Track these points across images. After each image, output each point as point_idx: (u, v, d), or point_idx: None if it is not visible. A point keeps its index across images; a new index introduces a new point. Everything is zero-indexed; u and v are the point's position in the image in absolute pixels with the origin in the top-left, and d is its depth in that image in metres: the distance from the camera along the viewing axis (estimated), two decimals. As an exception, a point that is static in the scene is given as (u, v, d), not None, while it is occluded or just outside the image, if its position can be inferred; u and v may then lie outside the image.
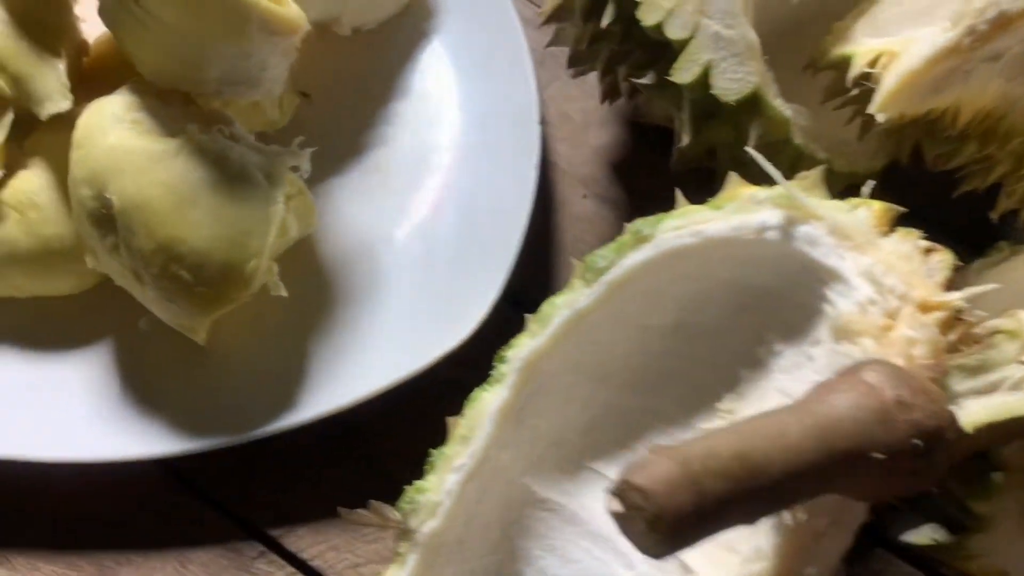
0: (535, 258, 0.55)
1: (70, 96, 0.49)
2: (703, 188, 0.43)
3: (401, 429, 0.51)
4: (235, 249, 0.45)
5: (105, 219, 0.45)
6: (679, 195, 0.41)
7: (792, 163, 0.45)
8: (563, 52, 0.55)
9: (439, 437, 0.50)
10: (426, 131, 0.57)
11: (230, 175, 0.46)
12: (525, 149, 0.55)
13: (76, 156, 0.46)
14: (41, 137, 0.51)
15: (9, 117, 0.50)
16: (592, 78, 0.61)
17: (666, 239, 0.39)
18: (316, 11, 0.56)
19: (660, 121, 0.50)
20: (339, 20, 0.58)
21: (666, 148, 0.54)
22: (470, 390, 0.51)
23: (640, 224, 0.40)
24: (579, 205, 0.58)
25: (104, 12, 0.49)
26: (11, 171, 0.50)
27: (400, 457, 0.48)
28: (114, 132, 0.46)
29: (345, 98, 0.58)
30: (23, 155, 0.51)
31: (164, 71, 0.49)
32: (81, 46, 0.53)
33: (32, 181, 0.50)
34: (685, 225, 0.39)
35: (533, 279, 0.55)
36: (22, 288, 0.50)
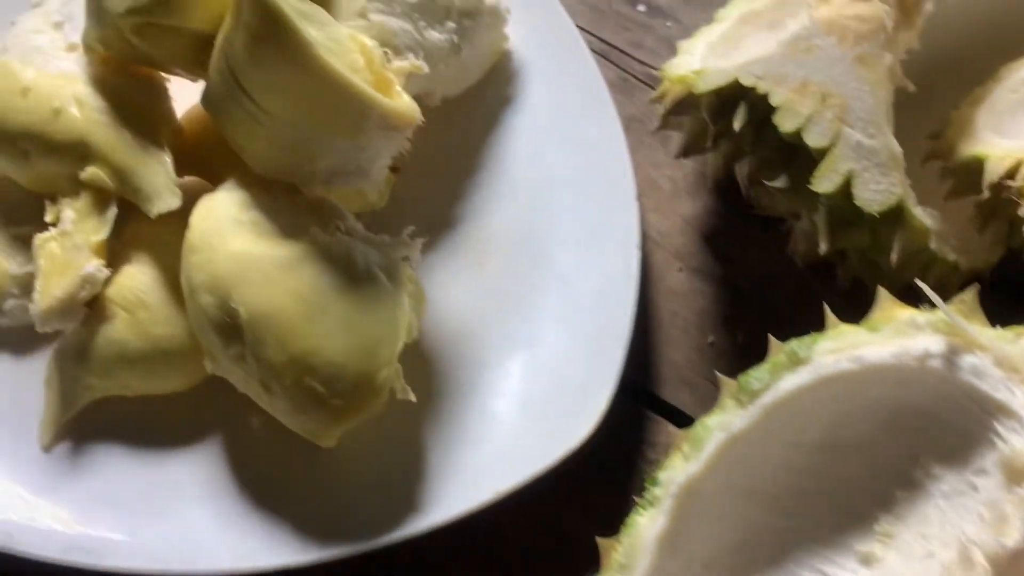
0: (632, 334, 0.55)
1: (179, 193, 0.48)
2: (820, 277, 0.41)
3: (523, 528, 0.50)
4: (368, 359, 0.44)
5: (230, 328, 0.44)
6: (828, 313, 0.41)
7: (925, 266, 0.45)
8: (647, 115, 0.54)
9: (565, 536, 0.50)
10: (517, 205, 0.57)
11: (356, 278, 0.45)
12: (624, 227, 0.54)
13: (195, 261, 0.45)
14: (142, 228, 0.50)
15: (112, 212, 0.49)
16: (676, 146, 0.61)
17: (824, 364, 0.39)
18: (413, 88, 0.55)
19: (779, 214, 0.50)
20: (432, 93, 0.57)
21: (760, 220, 0.54)
22: (589, 485, 0.51)
23: (795, 345, 0.40)
24: (674, 278, 0.58)
25: (210, 103, 0.48)
26: (114, 264, 0.49)
27: (527, 558, 0.48)
28: (235, 237, 0.45)
29: (434, 171, 0.57)
30: (123, 246, 0.50)
31: (273, 163, 0.48)
32: (176, 131, 0.51)
33: (139, 278, 0.49)
34: (842, 348, 0.39)
35: (632, 358, 0.54)
36: (130, 387, 0.49)
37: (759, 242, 0.57)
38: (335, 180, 0.49)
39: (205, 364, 0.46)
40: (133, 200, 0.49)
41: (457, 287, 0.54)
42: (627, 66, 0.64)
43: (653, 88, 0.63)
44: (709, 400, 0.42)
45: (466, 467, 0.48)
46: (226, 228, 0.45)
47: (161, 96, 0.51)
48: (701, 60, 0.52)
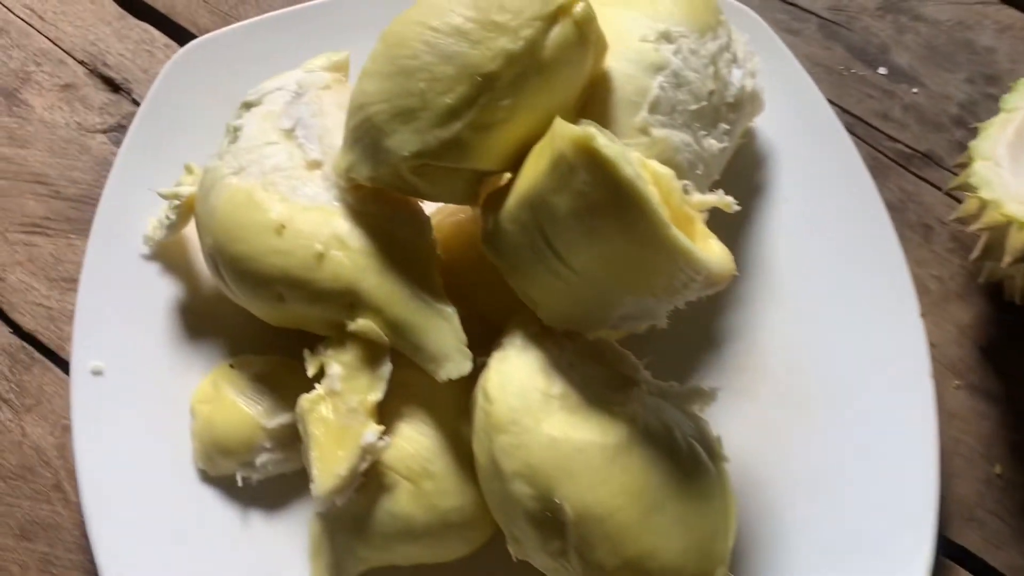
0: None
1: (470, 355, 0.43)
2: None
3: None
4: (704, 559, 0.40)
5: (551, 523, 0.40)
6: None
7: None
8: (903, 202, 0.49)
9: None
10: (784, 320, 0.52)
11: (681, 462, 0.41)
12: (910, 347, 0.50)
13: (504, 443, 0.40)
14: (410, 376, 0.45)
15: (387, 369, 0.44)
16: (943, 238, 0.56)
17: None
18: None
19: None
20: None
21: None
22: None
23: None
24: (952, 398, 0.53)
25: (499, 250, 0.43)
26: (383, 417, 0.44)
27: None
28: (548, 418, 0.40)
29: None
30: (389, 395, 0.45)
31: (564, 315, 0.43)
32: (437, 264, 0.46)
33: (420, 443, 0.44)
34: None
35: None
36: (408, 558, 0.45)
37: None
38: (623, 325, 0.44)
39: (510, 548, 0.42)
40: (410, 357, 0.44)
41: (728, 420, 0.49)
42: (876, 142, 0.58)
43: (905, 168, 0.58)
44: (1000, 539, 0.38)
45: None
46: (536, 406, 0.40)
47: (426, 230, 0.45)
48: (1012, 174, 0.47)
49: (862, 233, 0.52)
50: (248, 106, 0.50)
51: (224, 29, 0.55)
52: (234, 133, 0.48)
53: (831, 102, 0.58)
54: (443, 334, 0.43)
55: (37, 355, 0.52)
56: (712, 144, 0.48)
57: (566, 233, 0.39)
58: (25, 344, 0.52)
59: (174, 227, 0.49)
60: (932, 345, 0.54)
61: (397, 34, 0.42)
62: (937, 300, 0.55)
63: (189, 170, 0.50)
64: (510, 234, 0.42)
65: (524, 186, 0.40)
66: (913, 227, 0.56)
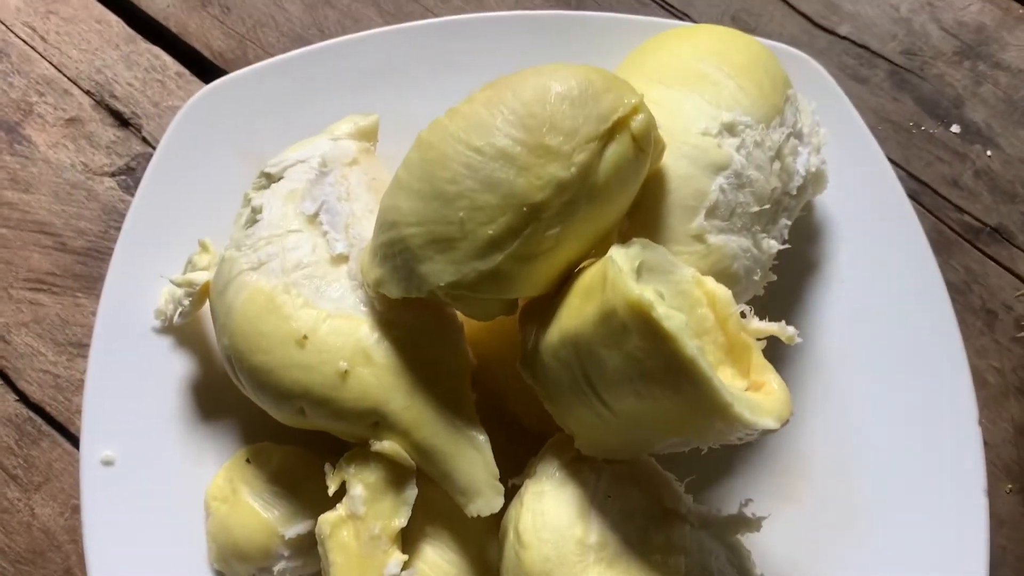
0: None
1: (501, 490, 0.40)
2: None
3: None
4: None
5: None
6: None
7: None
8: (968, 284, 0.46)
9: None
10: (833, 418, 0.49)
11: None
12: (967, 458, 0.47)
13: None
14: (431, 493, 0.42)
15: (412, 492, 0.41)
16: (1007, 325, 0.52)
17: None
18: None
19: None
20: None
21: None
22: None
23: None
24: (1002, 503, 0.50)
25: (540, 381, 0.39)
26: (411, 540, 0.42)
27: None
28: (584, 572, 0.38)
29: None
30: (418, 517, 0.42)
31: (604, 448, 0.40)
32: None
33: (444, 569, 0.42)
34: None
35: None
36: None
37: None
38: (665, 451, 0.41)
39: None
40: (437, 483, 0.41)
41: (768, 525, 0.46)
42: (942, 213, 0.54)
43: (972, 244, 0.53)
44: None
45: None
46: (572, 558, 0.38)
47: (459, 343, 0.42)
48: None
49: (921, 324, 0.49)
50: (268, 179, 0.46)
51: (240, 72, 0.50)
52: (253, 215, 0.44)
53: (896, 164, 0.54)
54: (474, 466, 0.40)
55: (45, 427, 0.50)
56: (772, 245, 0.44)
57: (613, 387, 0.36)
58: (32, 415, 0.50)
59: (187, 314, 0.46)
60: (986, 444, 0.51)
61: (435, 148, 0.37)
62: (995, 395, 0.51)
63: (204, 248, 0.46)
64: (550, 368, 0.38)
65: (569, 324, 0.37)
66: (976, 312, 0.52)
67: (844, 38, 0.57)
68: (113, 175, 0.53)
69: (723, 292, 0.40)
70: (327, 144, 0.46)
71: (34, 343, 0.50)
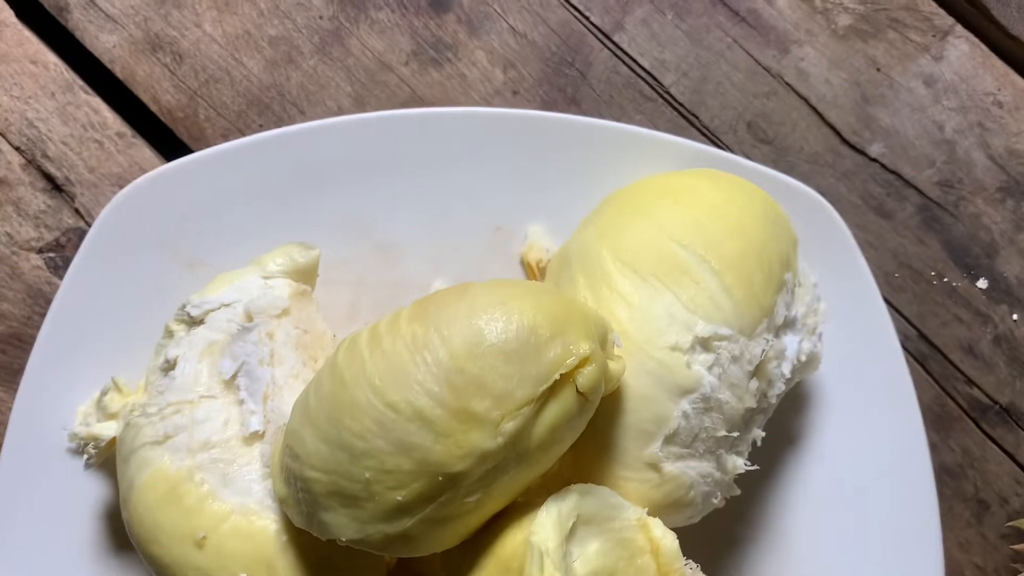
0: None
1: None
2: None
3: None
4: None
5: None
6: None
7: None
8: (963, 468, 0.42)
9: None
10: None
11: None
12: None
13: None
14: None
15: None
16: (998, 519, 0.47)
17: None
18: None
19: None
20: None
21: None
22: None
23: None
24: None
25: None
26: None
27: None
28: None
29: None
30: None
31: None
32: None
33: None
34: None
35: None
36: None
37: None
38: None
39: None
40: None
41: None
42: (950, 385, 0.48)
43: (976, 423, 0.48)
44: None
45: None
46: None
47: (372, 558, 0.38)
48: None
49: (901, 515, 0.45)
50: (188, 323, 0.41)
51: (176, 163, 0.45)
52: (166, 367, 0.40)
53: (908, 321, 0.48)
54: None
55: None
56: (738, 465, 0.39)
57: None
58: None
59: (93, 464, 0.42)
60: None
61: (347, 389, 0.32)
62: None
63: (117, 387, 0.42)
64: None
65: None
66: (967, 500, 0.48)
67: (874, 160, 0.49)
68: (40, 251, 0.48)
69: (669, 544, 0.36)
70: (257, 287, 0.41)
71: (-55, 437, 0.47)
